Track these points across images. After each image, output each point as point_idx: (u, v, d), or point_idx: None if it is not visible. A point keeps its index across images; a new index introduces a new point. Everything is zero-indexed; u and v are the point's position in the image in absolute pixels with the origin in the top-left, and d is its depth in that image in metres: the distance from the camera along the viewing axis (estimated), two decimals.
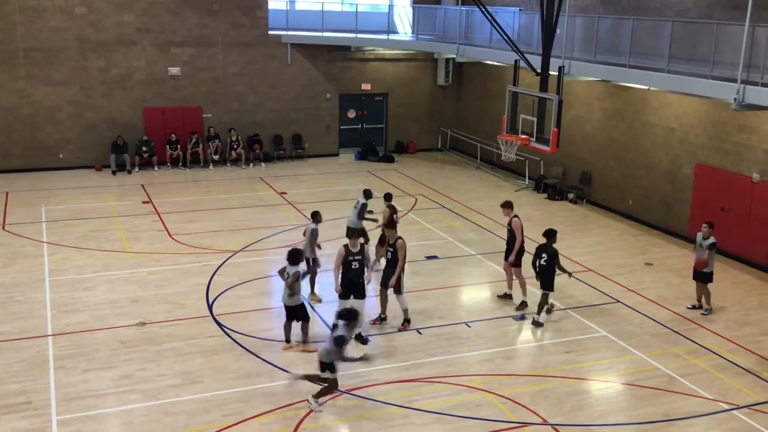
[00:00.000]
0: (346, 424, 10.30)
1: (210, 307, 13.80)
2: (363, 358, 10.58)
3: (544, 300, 13.39)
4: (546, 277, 13.23)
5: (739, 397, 11.00)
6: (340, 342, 10.11)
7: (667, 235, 18.76)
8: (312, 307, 13.67)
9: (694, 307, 14.13)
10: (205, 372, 11.42)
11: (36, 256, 16.30)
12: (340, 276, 12.30)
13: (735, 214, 16.98)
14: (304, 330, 12.28)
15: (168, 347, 12.19)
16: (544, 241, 13.33)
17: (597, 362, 12.11)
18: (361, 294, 12.41)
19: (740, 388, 11.29)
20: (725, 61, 14.53)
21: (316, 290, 14.34)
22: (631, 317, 13.85)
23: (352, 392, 10.90)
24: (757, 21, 14.09)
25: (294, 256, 11.99)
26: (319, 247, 14.18)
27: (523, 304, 14.01)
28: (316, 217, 14.08)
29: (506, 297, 14.47)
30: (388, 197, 15.83)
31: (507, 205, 14.44)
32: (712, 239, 13.64)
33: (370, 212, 15.96)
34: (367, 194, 16.16)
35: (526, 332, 13.30)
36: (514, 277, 14.30)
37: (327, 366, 10.29)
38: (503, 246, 17.52)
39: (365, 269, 12.35)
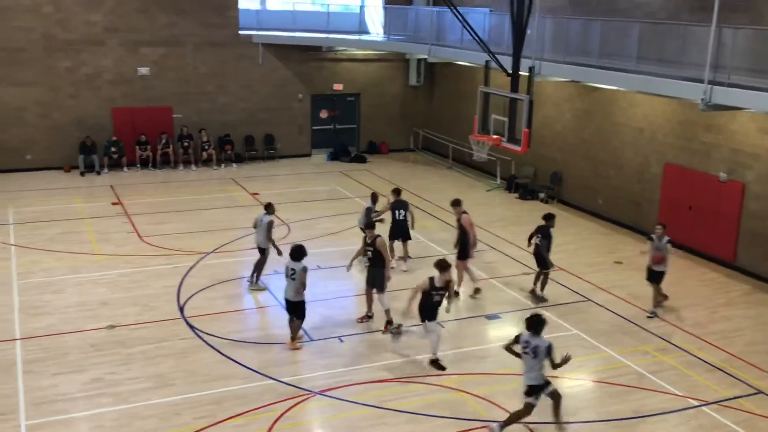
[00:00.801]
0: (320, 426, 10.28)
1: (181, 309, 13.69)
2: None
3: (545, 279, 14.45)
4: (540, 256, 14.29)
5: (707, 394, 11.17)
6: (550, 350, 9.51)
7: (637, 234, 18.96)
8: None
9: (654, 315, 14.12)
10: (176, 374, 11.32)
11: (3, 259, 16.03)
12: (411, 302, 11.53)
13: (702, 212, 17.24)
14: (296, 327, 12.29)
15: (138, 350, 12.06)
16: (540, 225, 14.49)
17: None
18: (433, 316, 11.68)
19: (709, 385, 11.46)
20: (692, 62, 14.75)
21: (259, 280, 14.74)
22: (602, 315, 13.99)
23: (326, 393, 10.88)
24: (723, 22, 14.31)
25: (297, 253, 12.01)
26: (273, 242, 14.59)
27: (457, 295, 14.56)
28: (269, 208, 14.50)
29: (476, 292, 14.71)
30: (396, 192, 16.29)
31: (456, 203, 14.98)
32: (667, 238, 13.85)
33: (376, 213, 16.20)
34: (374, 198, 16.41)
35: (499, 331, 13.37)
36: (468, 271, 14.82)
37: (536, 389, 9.69)
38: (476, 246, 17.62)
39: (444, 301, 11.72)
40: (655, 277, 14.01)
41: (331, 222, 19.21)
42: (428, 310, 11.51)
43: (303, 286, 12.02)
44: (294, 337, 12.31)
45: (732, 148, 16.41)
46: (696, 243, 17.42)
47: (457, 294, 14.69)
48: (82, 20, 23.53)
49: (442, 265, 11.42)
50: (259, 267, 14.70)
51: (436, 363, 11.69)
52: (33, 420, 10.00)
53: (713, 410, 10.72)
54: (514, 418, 9.77)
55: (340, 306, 14.04)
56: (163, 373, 11.34)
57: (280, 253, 14.26)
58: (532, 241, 14.57)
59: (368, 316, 13.39)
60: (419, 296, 11.48)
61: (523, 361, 9.69)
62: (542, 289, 14.57)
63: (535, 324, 9.58)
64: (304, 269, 12.01)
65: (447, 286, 11.54)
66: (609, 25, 17.14)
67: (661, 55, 15.71)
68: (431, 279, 11.42)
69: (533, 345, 9.53)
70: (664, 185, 18.26)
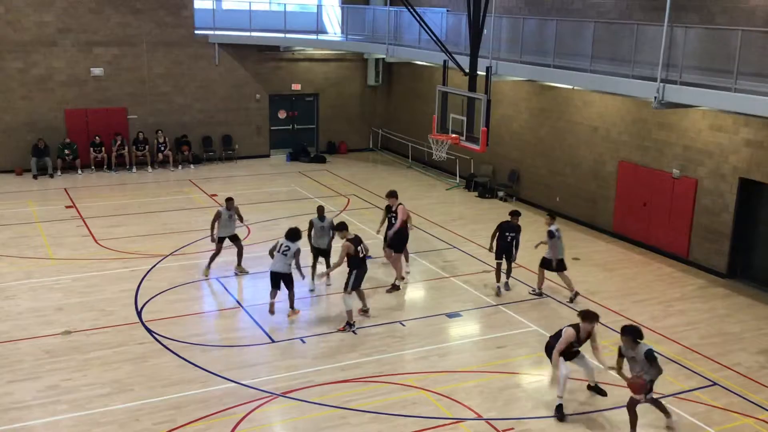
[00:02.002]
0: (282, 428, 10.22)
1: (139, 314, 13.48)
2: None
3: (510, 268, 15.09)
4: (513, 250, 14.90)
5: (664, 386, 11.35)
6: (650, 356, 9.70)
7: (593, 231, 19.26)
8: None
9: (535, 292, 14.90)
10: (134, 380, 11.15)
11: None
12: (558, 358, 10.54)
13: (657, 209, 17.56)
14: (291, 297, 13.32)
15: (95, 356, 11.86)
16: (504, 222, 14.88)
17: (528, 356, 12.34)
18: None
19: (665, 377, 11.63)
20: (645, 61, 15.01)
21: (243, 264, 15.61)
22: (560, 311, 14.16)
23: (289, 395, 10.83)
24: (675, 21, 14.60)
25: (294, 234, 13.18)
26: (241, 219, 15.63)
27: (395, 287, 14.91)
28: (228, 202, 15.17)
29: (394, 288, 14.98)
30: (392, 194, 15.70)
31: (392, 195, 15.33)
32: (551, 228, 14.37)
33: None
34: (320, 212, 14.82)
35: (460, 329, 13.46)
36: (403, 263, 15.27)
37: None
38: (437, 244, 17.72)
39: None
40: (550, 265, 14.58)
41: (291, 223, 19.04)
42: (565, 356, 10.67)
43: (297, 263, 13.18)
44: (292, 305, 13.34)
45: (684, 145, 16.74)
46: (651, 239, 17.75)
47: (397, 287, 14.98)
48: (33, 21, 23.04)
49: (587, 316, 10.52)
50: (238, 255, 15.55)
51: (560, 410, 10.50)
52: None
53: (670, 402, 10.90)
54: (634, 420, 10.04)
55: (302, 307, 13.98)
56: (121, 379, 11.16)
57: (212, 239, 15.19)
58: (506, 240, 14.74)
59: (364, 311, 13.60)
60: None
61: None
62: (507, 279, 15.16)
63: (636, 333, 9.85)
64: (299, 251, 13.13)
65: (589, 336, 10.55)
66: (563, 25, 17.35)
67: (615, 55, 15.95)
68: (577, 330, 10.47)
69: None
70: (619, 182, 18.56)
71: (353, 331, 12.90)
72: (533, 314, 13.96)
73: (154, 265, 15.88)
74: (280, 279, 13.14)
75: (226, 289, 14.77)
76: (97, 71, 24.15)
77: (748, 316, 14.14)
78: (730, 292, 15.39)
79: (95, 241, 17.42)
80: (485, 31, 17.21)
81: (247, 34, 25.79)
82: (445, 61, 17.74)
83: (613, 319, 13.81)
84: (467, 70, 16.96)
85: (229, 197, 15.46)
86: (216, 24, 25.75)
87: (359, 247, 13.03)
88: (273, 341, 12.53)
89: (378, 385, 11.18)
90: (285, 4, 26.65)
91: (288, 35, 25.86)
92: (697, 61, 14.14)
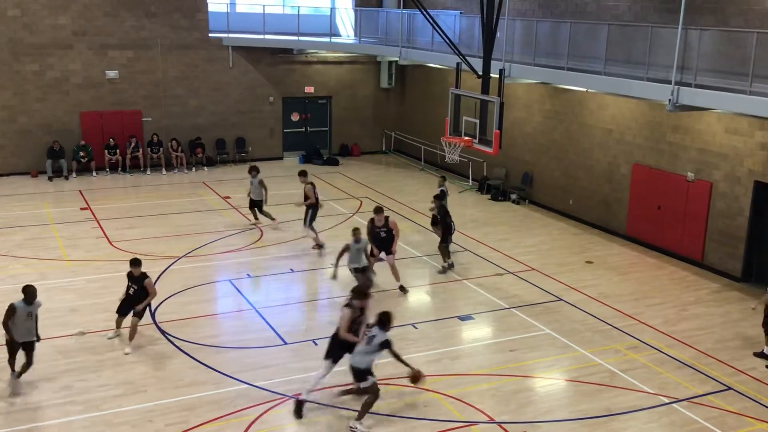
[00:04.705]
0: (295, 430, 10.23)
1: (153, 315, 13.54)
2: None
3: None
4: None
5: (678, 391, 11.31)
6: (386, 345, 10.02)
7: (607, 234, 19.17)
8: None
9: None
10: (148, 381, 11.20)
11: None
12: None
13: (671, 212, 17.46)
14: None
15: (109, 357, 11.92)
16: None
17: (541, 360, 12.30)
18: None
19: (679, 382, 11.60)
20: (660, 63, 14.93)
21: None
22: (573, 315, 14.11)
23: (301, 396, 10.83)
24: (689, 24, 14.52)
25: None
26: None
27: (402, 289, 14.99)
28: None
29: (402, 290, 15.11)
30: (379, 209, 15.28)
31: (379, 211, 15.12)
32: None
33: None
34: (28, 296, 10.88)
35: (472, 332, 13.43)
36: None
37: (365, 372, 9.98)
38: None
39: None
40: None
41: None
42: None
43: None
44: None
45: (699, 148, 16.64)
46: (665, 242, 17.64)
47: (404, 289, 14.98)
48: (49, 24, 23.22)
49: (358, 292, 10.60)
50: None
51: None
52: (2, 429, 9.84)
53: (684, 407, 10.85)
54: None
55: (315, 309, 14.00)
56: (134, 380, 11.21)
57: None
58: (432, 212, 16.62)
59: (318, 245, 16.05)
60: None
61: None
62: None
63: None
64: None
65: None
66: (577, 28, 17.29)
67: (629, 57, 15.88)
68: (350, 307, 10.48)
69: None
70: (632, 185, 18.46)
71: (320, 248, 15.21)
72: (546, 317, 13.91)
73: (168, 267, 15.95)
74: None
75: (239, 291, 14.81)
76: (111, 74, 24.31)
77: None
78: (744, 296, 15.27)
79: (109, 242, 17.52)
80: (498, 33, 17.19)
81: (261, 37, 25.86)
82: (458, 64, 17.74)
83: (626, 323, 13.75)
84: (480, 73, 16.94)
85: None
86: (230, 27, 25.86)
87: (316, 190, 16.76)
88: (285, 343, 12.55)
89: (390, 387, 11.16)
90: (298, 7, 26.72)
91: (301, 38, 25.92)
92: (711, 64, 14.05)
